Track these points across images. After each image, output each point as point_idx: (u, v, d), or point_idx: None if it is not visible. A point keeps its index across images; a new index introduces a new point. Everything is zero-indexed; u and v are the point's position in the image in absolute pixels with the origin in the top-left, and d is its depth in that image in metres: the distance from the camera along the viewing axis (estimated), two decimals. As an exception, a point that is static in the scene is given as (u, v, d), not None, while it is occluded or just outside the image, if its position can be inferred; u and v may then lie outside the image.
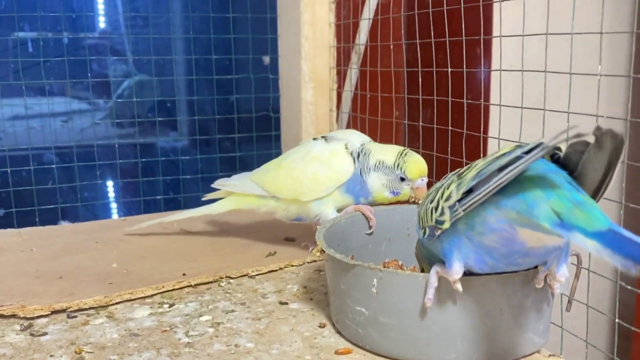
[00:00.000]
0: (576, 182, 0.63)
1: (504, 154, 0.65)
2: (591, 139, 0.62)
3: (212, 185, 1.24)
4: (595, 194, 0.63)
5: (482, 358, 0.75)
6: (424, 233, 0.75)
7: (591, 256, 0.83)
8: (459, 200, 0.66)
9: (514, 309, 0.74)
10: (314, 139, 1.17)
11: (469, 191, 0.66)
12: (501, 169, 0.62)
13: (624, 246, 0.52)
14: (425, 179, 1.06)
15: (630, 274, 0.51)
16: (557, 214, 0.58)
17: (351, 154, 1.10)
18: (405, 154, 1.05)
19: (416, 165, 1.05)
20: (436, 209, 0.70)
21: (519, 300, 0.74)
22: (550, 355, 0.79)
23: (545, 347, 0.80)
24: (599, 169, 0.62)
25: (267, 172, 1.17)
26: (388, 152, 1.07)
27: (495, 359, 0.76)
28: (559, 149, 0.67)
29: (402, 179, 1.05)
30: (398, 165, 1.05)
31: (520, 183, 0.63)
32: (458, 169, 0.73)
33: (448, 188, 0.69)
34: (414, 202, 1.07)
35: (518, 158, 0.61)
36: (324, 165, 1.10)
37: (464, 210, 0.66)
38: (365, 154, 1.09)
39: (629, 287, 0.82)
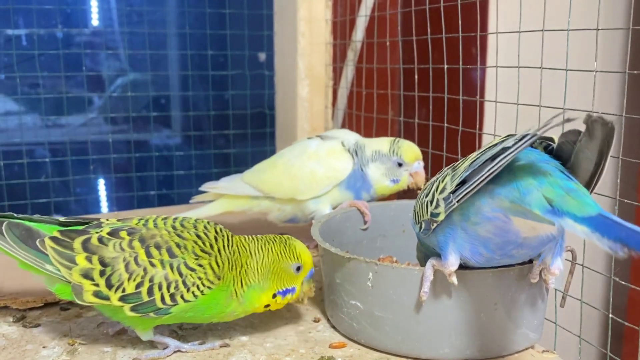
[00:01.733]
0: (570, 172, 0.64)
1: (496, 144, 0.65)
2: (583, 130, 0.62)
3: (200, 189, 1.19)
4: (589, 184, 0.64)
5: (476, 353, 0.75)
6: (420, 228, 0.75)
7: (585, 252, 0.84)
8: (453, 192, 0.67)
9: (508, 303, 0.74)
10: (309, 138, 1.17)
11: (463, 182, 0.66)
12: (493, 158, 0.63)
13: (612, 230, 0.53)
14: (422, 163, 1.09)
15: (617, 255, 0.52)
16: (549, 201, 0.59)
17: (348, 150, 1.10)
18: (398, 141, 1.08)
19: (411, 148, 1.08)
20: (431, 202, 0.71)
21: (513, 295, 0.74)
22: (544, 351, 0.80)
23: (539, 342, 0.81)
24: (591, 158, 0.62)
25: (262, 172, 1.15)
26: (381, 142, 1.10)
27: (489, 353, 0.76)
28: (552, 140, 0.68)
29: (400, 165, 1.07)
30: (394, 151, 1.07)
31: (513, 172, 0.63)
32: (453, 163, 0.74)
33: (443, 181, 0.70)
34: (418, 189, 1.08)
35: (509, 147, 0.62)
36: (321, 163, 1.09)
37: (457, 201, 0.66)
38: (360, 148, 1.09)
39: (623, 283, 0.83)
